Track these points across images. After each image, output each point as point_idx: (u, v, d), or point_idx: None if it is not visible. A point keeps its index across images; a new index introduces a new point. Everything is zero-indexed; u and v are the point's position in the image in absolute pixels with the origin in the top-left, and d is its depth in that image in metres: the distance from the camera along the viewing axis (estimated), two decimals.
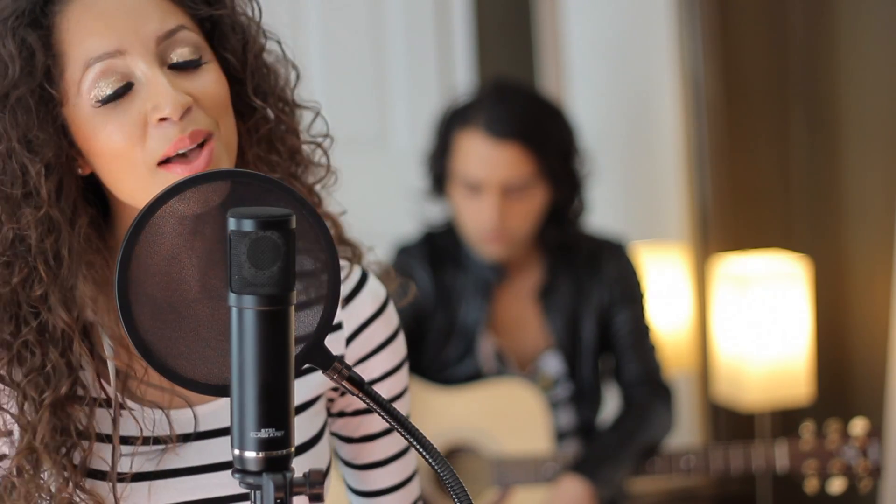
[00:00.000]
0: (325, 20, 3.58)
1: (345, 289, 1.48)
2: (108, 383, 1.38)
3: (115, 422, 1.36)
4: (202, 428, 1.41)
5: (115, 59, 1.32)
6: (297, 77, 1.47)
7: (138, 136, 1.32)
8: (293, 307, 1.09)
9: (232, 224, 1.07)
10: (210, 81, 1.35)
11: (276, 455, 1.09)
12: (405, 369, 1.54)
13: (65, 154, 1.35)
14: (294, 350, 1.11)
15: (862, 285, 3.37)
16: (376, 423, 1.53)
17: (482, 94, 2.87)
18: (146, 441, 1.38)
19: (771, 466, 2.75)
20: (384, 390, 1.51)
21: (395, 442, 1.55)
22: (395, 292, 1.56)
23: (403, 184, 3.07)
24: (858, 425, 2.75)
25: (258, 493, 1.09)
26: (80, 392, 1.36)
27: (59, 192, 1.34)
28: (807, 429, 2.77)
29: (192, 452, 1.40)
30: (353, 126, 3.59)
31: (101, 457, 1.37)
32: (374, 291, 1.50)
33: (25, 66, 1.33)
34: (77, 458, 1.35)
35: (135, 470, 1.37)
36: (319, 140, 1.48)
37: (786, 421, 3.36)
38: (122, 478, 1.37)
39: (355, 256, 1.52)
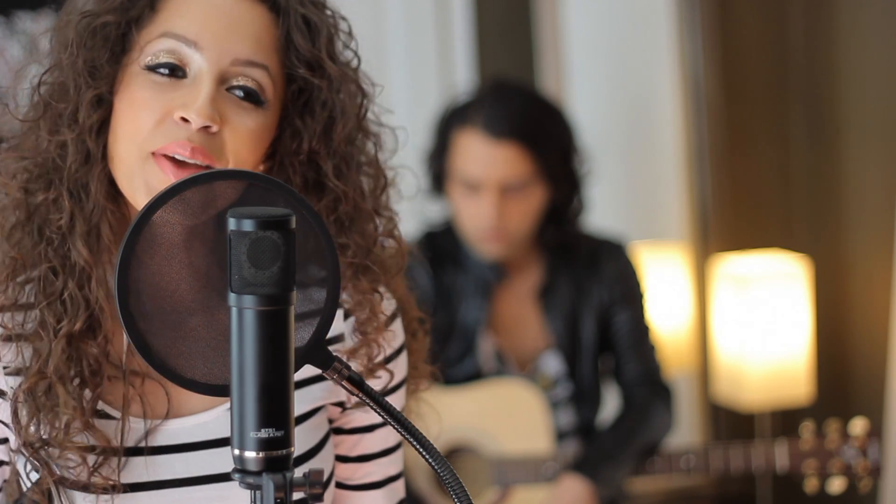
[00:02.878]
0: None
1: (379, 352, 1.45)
2: (121, 340, 1.38)
3: (124, 375, 1.37)
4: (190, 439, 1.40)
5: (188, 46, 1.33)
6: (385, 183, 1.46)
7: (157, 119, 1.33)
8: (293, 307, 1.09)
9: (232, 224, 1.07)
10: (250, 124, 1.35)
11: (276, 455, 1.09)
12: (404, 389, 1.52)
13: (114, 96, 1.36)
14: (294, 350, 1.11)
15: (862, 285, 3.37)
16: (374, 443, 1.51)
17: (481, 93, 2.87)
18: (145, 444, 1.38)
19: (771, 466, 2.75)
20: (373, 442, 1.51)
21: (392, 464, 1.53)
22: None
23: (404, 184, 3.06)
24: (858, 425, 2.75)
25: (258, 493, 1.09)
26: (96, 331, 1.36)
27: (100, 128, 1.35)
28: (807, 429, 2.77)
29: (163, 432, 1.40)
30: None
31: (110, 401, 1.37)
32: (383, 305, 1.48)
33: (128, 1, 1.35)
34: (88, 395, 1.35)
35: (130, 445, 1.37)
36: (393, 215, 1.47)
37: (786, 421, 3.35)
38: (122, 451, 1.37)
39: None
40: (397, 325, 1.50)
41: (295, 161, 1.40)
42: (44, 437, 1.35)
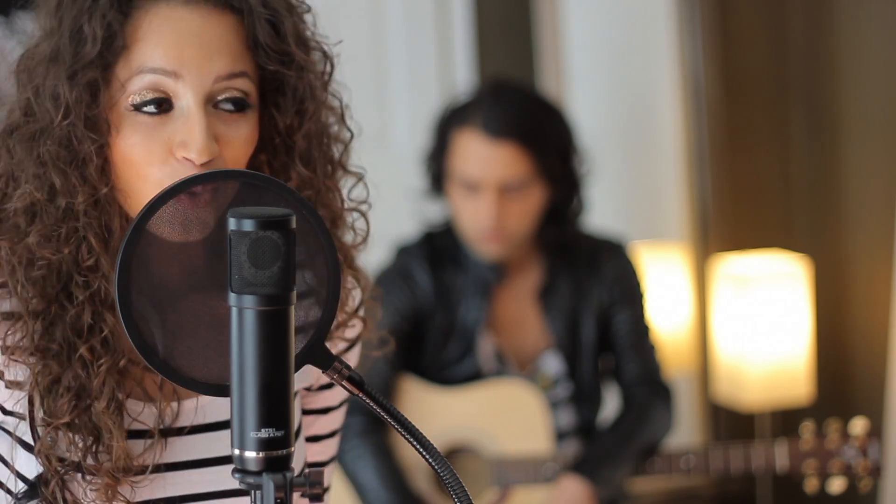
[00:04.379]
0: (325, 20, 3.57)
1: (354, 331, 1.48)
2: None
3: (161, 385, 1.37)
4: (189, 423, 1.40)
5: (168, 78, 1.32)
6: (351, 138, 1.47)
7: (158, 157, 1.32)
8: (293, 307, 1.09)
9: (232, 224, 1.07)
10: (243, 134, 1.35)
11: (276, 455, 1.09)
12: (343, 409, 1.55)
13: (106, 139, 1.35)
14: (294, 350, 1.11)
15: (862, 285, 3.37)
16: (326, 424, 1.53)
17: (480, 93, 2.87)
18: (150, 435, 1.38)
19: (771, 466, 2.75)
20: (337, 419, 1.54)
21: (333, 446, 1.56)
22: (371, 340, 1.55)
23: (403, 184, 3.07)
24: (858, 425, 2.75)
25: (258, 492, 1.09)
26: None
27: (105, 171, 1.34)
28: (807, 429, 2.77)
29: (175, 448, 1.40)
30: (352, 126, 3.60)
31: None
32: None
33: (104, 48, 1.33)
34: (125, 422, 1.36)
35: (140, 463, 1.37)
36: (363, 208, 1.48)
37: (786, 421, 3.36)
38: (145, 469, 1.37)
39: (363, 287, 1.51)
40: (358, 347, 1.52)
41: (270, 146, 1.41)
42: (74, 459, 1.34)
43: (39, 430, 1.35)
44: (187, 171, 1.31)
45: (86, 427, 1.34)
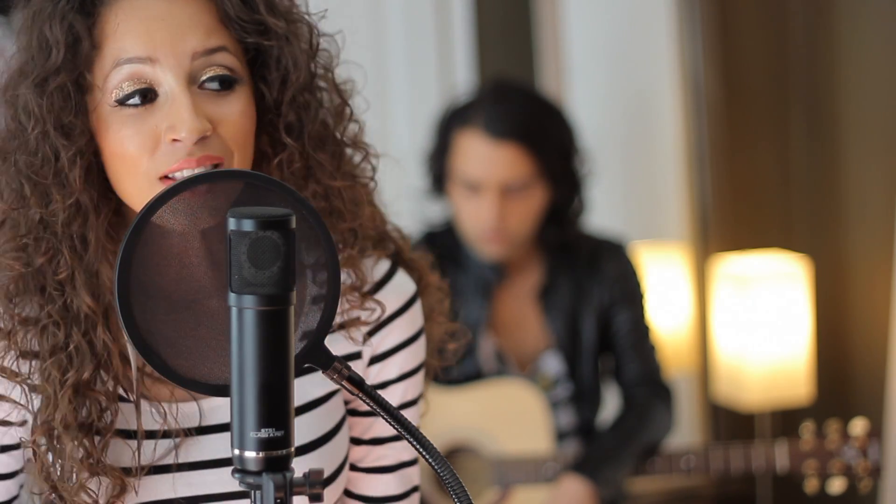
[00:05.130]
0: (325, 20, 3.57)
1: (373, 315, 1.45)
2: (129, 373, 1.37)
3: (136, 405, 1.36)
4: (205, 423, 1.40)
5: (144, 65, 1.31)
6: (351, 114, 1.45)
7: (149, 147, 1.31)
8: (293, 307, 1.09)
9: (232, 224, 1.07)
10: (236, 110, 1.34)
11: (276, 455, 1.09)
12: (422, 374, 1.52)
13: (94, 142, 1.35)
14: (294, 350, 1.11)
15: (862, 285, 3.37)
16: (388, 426, 1.49)
17: (481, 93, 2.87)
18: (166, 434, 1.37)
19: (771, 466, 2.75)
20: (398, 393, 1.49)
21: (406, 449, 1.52)
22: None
23: (403, 184, 3.07)
24: (858, 425, 2.75)
25: (258, 492, 1.09)
26: (102, 378, 1.35)
27: (88, 179, 1.34)
28: (807, 429, 2.77)
29: (191, 448, 1.39)
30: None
31: (118, 446, 1.37)
32: (400, 287, 1.48)
33: (69, 53, 1.32)
34: (97, 441, 1.35)
35: (145, 464, 1.37)
36: (366, 181, 1.46)
37: (786, 421, 3.36)
38: (135, 471, 1.37)
39: (421, 274, 1.49)
40: (416, 309, 1.49)
41: (263, 120, 1.39)
42: (55, 479, 1.35)
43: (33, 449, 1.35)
44: (180, 153, 1.30)
45: (53, 449, 1.34)
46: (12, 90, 1.35)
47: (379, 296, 1.46)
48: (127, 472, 1.36)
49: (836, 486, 2.75)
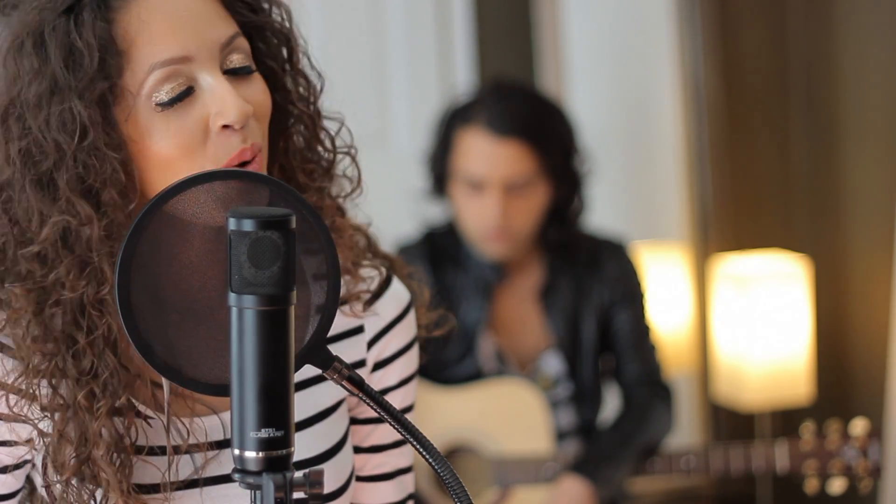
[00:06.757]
0: (325, 20, 3.58)
1: (374, 283, 1.45)
2: (160, 393, 1.34)
3: (167, 426, 1.33)
4: (228, 436, 1.38)
5: (181, 65, 1.29)
6: (322, 87, 1.44)
7: (198, 142, 1.29)
8: (293, 307, 1.09)
9: (232, 224, 1.07)
10: (260, 90, 1.34)
11: (276, 455, 1.09)
12: (416, 381, 1.52)
13: (128, 154, 1.30)
14: (294, 350, 1.11)
15: (862, 285, 3.37)
16: (387, 434, 1.50)
17: (483, 92, 2.87)
18: (188, 450, 1.35)
19: (771, 466, 2.75)
20: (398, 399, 1.49)
21: (403, 456, 1.52)
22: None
23: (403, 184, 3.07)
24: (858, 425, 2.75)
25: (258, 492, 1.09)
26: (133, 402, 1.33)
27: (121, 195, 1.29)
28: (807, 429, 2.77)
29: (212, 462, 1.38)
30: (352, 125, 3.61)
31: (147, 467, 1.35)
32: (398, 295, 1.48)
33: (105, 57, 1.28)
34: (126, 462, 1.32)
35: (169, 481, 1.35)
36: (352, 151, 1.45)
37: (786, 421, 3.36)
38: (165, 488, 1.35)
39: (393, 268, 1.49)
40: (412, 316, 1.49)
41: (275, 98, 1.39)
42: None
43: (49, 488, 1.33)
44: (233, 144, 1.29)
45: (88, 478, 1.31)
46: (39, 116, 1.28)
47: (378, 304, 1.46)
48: (154, 489, 1.34)
49: (837, 486, 2.75)
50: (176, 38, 1.30)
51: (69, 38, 1.28)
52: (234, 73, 1.32)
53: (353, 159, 1.45)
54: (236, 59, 1.33)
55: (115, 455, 1.31)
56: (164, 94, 1.29)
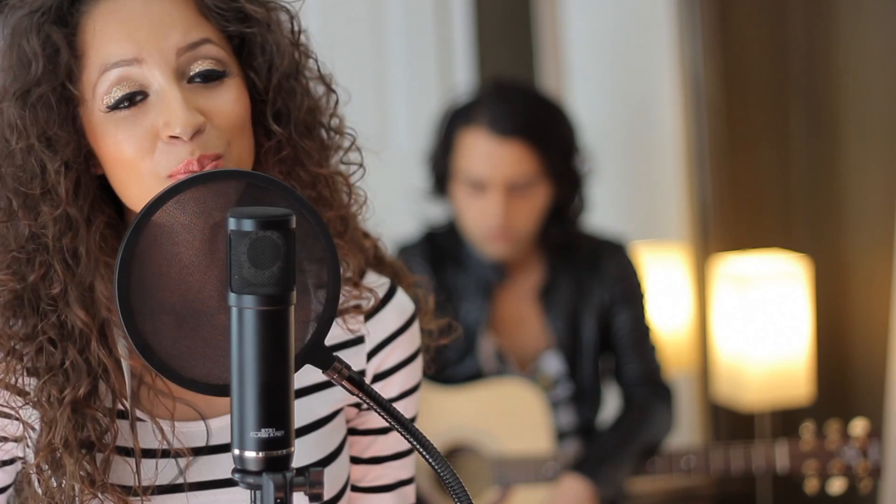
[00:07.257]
0: (325, 20, 3.58)
1: (369, 303, 1.45)
2: (124, 388, 1.35)
3: (132, 426, 1.35)
4: (213, 442, 1.38)
5: (131, 67, 1.30)
6: (337, 101, 1.44)
7: (147, 149, 1.30)
8: (293, 307, 1.09)
9: (232, 224, 1.07)
10: (228, 100, 1.33)
11: (276, 455, 1.09)
12: (419, 393, 1.51)
13: (83, 153, 1.33)
14: (294, 350, 1.11)
15: (862, 285, 3.37)
16: (387, 445, 1.50)
17: (484, 92, 2.87)
18: (164, 454, 1.36)
19: (771, 466, 2.75)
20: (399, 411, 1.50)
21: (404, 467, 1.52)
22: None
23: (404, 184, 3.07)
24: (858, 426, 2.75)
25: (258, 493, 1.09)
26: (100, 395, 1.34)
27: (77, 191, 1.33)
28: (807, 429, 2.77)
29: (201, 467, 1.38)
30: (352, 126, 3.62)
31: (122, 465, 1.35)
32: (401, 306, 1.47)
33: (48, 64, 1.31)
34: (99, 459, 1.33)
35: (148, 483, 1.35)
36: (353, 170, 1.45)
37: (786, 421, 3.36)
38: (137, 491, 1.35)
39: (399, 278, 1.49)
40: (416, 327, 1.49)
41: (255, 110, 1.38)
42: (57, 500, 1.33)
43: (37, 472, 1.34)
44: (182, 154, 1.29)
45: (52, 466, 1.33)
46: (1, 111, 1.33)
47: (381, 314, 1.45)
48: (131, 491, 1.34)
49: (836, 486, 2.75)
50: (128, 40, 1.31)
51: (22, 40, 1.32)
52: (202, 79, 1.32)
53: (345, 178, 1.45)
54: (200, 68, 1.32)
55: (78, 447, 1.32)
56: (112, 97, 1.31)
